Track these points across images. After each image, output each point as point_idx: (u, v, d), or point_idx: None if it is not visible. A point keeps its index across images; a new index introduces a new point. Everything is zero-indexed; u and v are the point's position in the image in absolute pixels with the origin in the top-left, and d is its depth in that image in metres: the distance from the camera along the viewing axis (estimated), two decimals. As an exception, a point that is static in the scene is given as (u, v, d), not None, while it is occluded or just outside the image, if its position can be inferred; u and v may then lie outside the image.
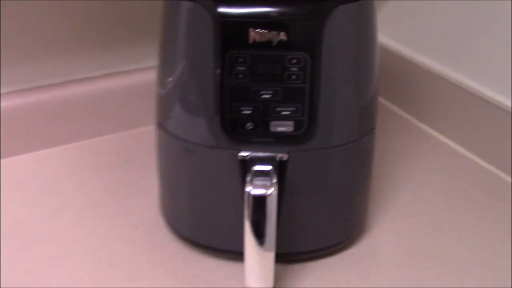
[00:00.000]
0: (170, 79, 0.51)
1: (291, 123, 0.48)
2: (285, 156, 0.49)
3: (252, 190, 0.46)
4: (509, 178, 0.69)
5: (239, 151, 0.49)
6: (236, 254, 0.52)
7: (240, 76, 0.46)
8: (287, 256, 0.55)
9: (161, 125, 0.53)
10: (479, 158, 0.72)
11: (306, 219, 0.53)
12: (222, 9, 0.45)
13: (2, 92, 0.70)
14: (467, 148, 0.74)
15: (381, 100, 0.84)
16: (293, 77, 0.46)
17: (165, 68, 0.52)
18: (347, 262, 0.56)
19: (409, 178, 0.69)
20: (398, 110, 0.84)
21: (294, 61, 0.46)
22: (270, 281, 0.49)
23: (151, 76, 0.76)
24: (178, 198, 0.55)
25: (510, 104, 0.68)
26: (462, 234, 0.60)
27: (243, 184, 0.49)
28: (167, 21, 0.50)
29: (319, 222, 0.53)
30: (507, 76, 0.68)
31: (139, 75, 0.76)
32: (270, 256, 0.48)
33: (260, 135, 0.48)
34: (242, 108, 0.47)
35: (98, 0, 0.71)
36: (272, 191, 0.46)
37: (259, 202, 0.46)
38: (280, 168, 0.49)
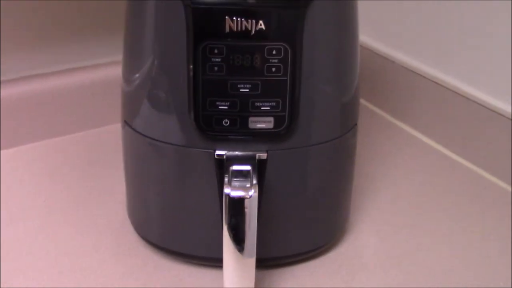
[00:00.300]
0: (137, 74, 0.47)
1: (271, 119, 0.44)
2: (264, 155, 0.46)
3: (231, 192, 0.42)
4: (489, 176, 0.68)
5: (215, 150, 0.46)
6: (213, 260, 0.48)
7: (216, 68, 0.43)
8: (266, 261, 0.51)
9: (127, 123, 0.49)
10: (459, 156, 0.71)
11: (286, 221, 0.50)
12: (195, -5, 0.41)
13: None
14: (447, 146, 0.72)
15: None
16: (273, 69, 0.43)
17: (131, 61, 0.48)
18: (329, 266, 0.53)
19: (389, 178, 0.67)
20: (376, 108, 0.81)
21: (274, 52, 0.43)
22: (250, 289, 0.46)
23: (117, 71, 0.72)
24: (147, 202, 0.51)
25: (489, 101, 0.66)
26: (445, 234, 0.58)
27: (220, 185, 0.46)
28: (133, 8, 0.46)
29: (300, 225, 0.50)
30: (487, 72, 0.67)
31: (104, 70, 0.71)
32: (251, 262, 0.45)
33: (238, 133, 0.45)
34: (218, 103, 0.44)
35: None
36: (252, 193, 0.42)
37: (239, 205, 0.42)
38: (260, 168, 0.46)
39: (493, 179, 0.67)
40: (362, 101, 0.82)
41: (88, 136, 0.72)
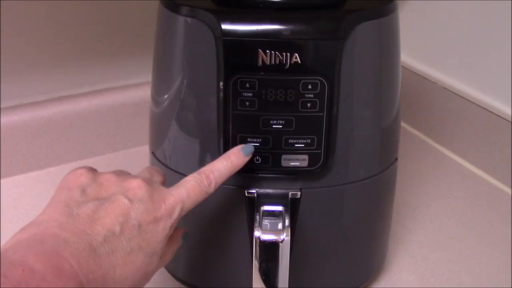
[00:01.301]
0: (165, 106, 0.45)
1: (305, 157, 0.41)
2: (297, 194, 0.43)
3: (262, 235, 0.40)
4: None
5: (246, 188, 0.43)
6: (242, 302, 0.46)
7: (247, 103, 0.40)
8: (298, 302, 0.48)
9: (154, 154, 0.47)
10: (502, 183, 0.66)
11: (319, 262, 0.47)
12: (226, 26, 0.39)
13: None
14: (490, 173, 0.68)
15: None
16: (308, 104, 0.40)
17: (159, 93, 0.45)
18: (365, 307, 0.50)
19: (428, 206, 0.63)
20: (413, 129, 0.78)
21: (309, 86, 0.40)
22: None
23: (143, 93, 0.70)
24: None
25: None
26: (489, 273, 0.54)
27: (251, 225, 0.43)
28: (161, 40, 0.44)
29: (335, 267, 0.47)
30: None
31: (130, 92, 0.70)
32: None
33: (270, 171, 0.42)
34: (249, 139, 0.41)
35: (81, 11, 0.65)
36: (284, 236, 0.40)
37: (270, 249, 0.40)
38: (292, 207, 0.43)
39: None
40: (402, 124, 0.78)
41: (117, 157, 0.71)
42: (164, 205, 0.36)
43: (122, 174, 0.38)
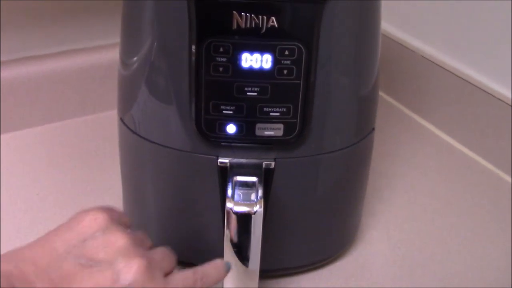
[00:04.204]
0: (134, 66, 0.42)
1: (280, 126, 0.40)
2: (272, 164, 0.42)
3: (234, 206, 0.39)
4: (509, 178, 0.63)
5: (218, 156, 0.41)
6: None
7: (220, 69, 0.38)
8: (272, 272, 0.48)
9: (123, 122, 0.45)
10: (478, 156, 0.66)
11: (294, 234, 0.46)
12: (199, -14, 0.37)
13: None
14: (466, 144, 0.68)
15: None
16: (285, 71, 0.38)
17: (128, 55, 0.43)
18: (337, 277, 0.50)
19: (403, 177, 0.63)
20: (392, 100, 0.77)
21: (286, 52, 0.38)
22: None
23: (114, 55, 0.67)
24: (144, 208, 0.47)
25: (508, 96, 0.61)
26: (460, 243, 0.55)
27: (223, 195, 0.42)
28: (130, 1, 0.41)
29: (309, 237, 0.47)
30: (508, 66, 0.62)
31: (105, 53, 0.67)
32: (254, 276, 0.41)
33: (244, 140, 0.40)
34: (222, 107, 0.39)
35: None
36: (257, 208, 0.39)
37: (243, 221, 0.39)
38: (266, 178, 0.42)
39: (515, 182, 0.63)
40: (380, 93, 0.77)
41: (87, 122, 0.68)
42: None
43: (138, 242, 0.34)
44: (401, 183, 0.62)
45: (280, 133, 0.40)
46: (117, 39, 0.45)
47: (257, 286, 0.42)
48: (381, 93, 0.76)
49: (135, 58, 0.42)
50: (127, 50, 0.43)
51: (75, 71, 0.66)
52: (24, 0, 0.62)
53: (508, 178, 0.63)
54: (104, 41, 0.68)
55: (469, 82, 0.65)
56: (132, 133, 0.44)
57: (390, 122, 0.72)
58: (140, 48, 0.41)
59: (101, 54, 0.67)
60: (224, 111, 0.39)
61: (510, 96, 0.62)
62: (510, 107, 0.61)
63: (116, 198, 0.55)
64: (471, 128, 0.67)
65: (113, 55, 0.65)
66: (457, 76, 0.67)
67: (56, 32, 0.66)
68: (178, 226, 0.46)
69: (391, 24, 0.75)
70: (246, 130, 0.40)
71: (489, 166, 0.65)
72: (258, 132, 0.40)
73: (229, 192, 0.40)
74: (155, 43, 0.40)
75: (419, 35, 0.72)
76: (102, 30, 0.68)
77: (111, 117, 0.68)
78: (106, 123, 0.68)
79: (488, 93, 0.63)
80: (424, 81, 0.71)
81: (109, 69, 0.67)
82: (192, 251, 0.46)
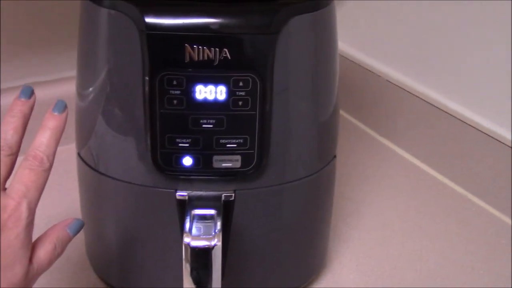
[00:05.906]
0: (89, 98, 0.42)
1: (238, 157, 0.40)
2: (231, 196, 0.41)
3: (192, 241, 0.38)
4: (478, 200, 0.63)
5: (177, 190, 0.41)
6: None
7: (175, 102, 0.38)
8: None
9: (81, 157, 0.44)
10: (447, 179, 0.66)
11: (259, 265, 0.45)
12: (150, 19, 0.36)
13: None
14: (434, 167, 0.68)
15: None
16: (240, 103, 0.38)
17: (83, 87, 0.42)
18: (306, 307, 0.49)
19: (371, 202, 0.63)
20: (356, 122, 0.77)
21: (240, 83, 0.38)
22: None
23: (69, 88, 0.66)
24: (104, 241, 0.46)
25: (481, 122, 0.62)
26: (431, 269, 0.54)
27: (182, 229, 0.41)
28: (84, 36, 0.41)
29: (275, 268, 0.46)
30: (477, 91, 0.62)
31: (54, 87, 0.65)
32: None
33: (201, 172, 0.40)
34: (178, 140, 0.39)
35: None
36: (216, 242, 0.38)
37: (201, 255, 0.38)
38: (226, 210, 0.41)
39: (482, 203, 0.63)
40: (344, 114, 0.78)
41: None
42: (6, 213, 0.33)
43: None
44: (370, 208, 0.62)
45: (238, 164, 0.40)
46: (71, 73, 0.45)
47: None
48: (350, 118, 0.77)
49: (90, 89, 0.41)
50: (83, 82, 0.43)
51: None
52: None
53: (477, 200, 0.63)
54: (59, 75, 0.67)
55: (436, 107, 0.66)
56: (89, 168, 0.43)
57: (358, 147, 0.72)
58: (96, 80, 0.41)
59: (55, 87, 0.66)
60: (180, 144, 0.39)
61: (477, 120, 0.62)
62: (477, 131, 0.62)
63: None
64: (439, 151, 0.67)
65: (68, 88, 0.65)
66: (424, 100, 0.67)
67: (12, 66, 0.64)
68: (139, 259, 0.45)
69: (360, 50, 0.75)
70: (203, 162, 0.39)
71: (458, 189, 0.65)
72: (215, 164, 0.40)
73: (187, 226, 0.39)
74: (110, 76, 0.40)
75: (389, 62, 0.73)
76: (57, 64, 0.67)
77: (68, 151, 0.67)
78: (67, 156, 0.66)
79: (455, 117, 0.64)
80: (392, 106, 0.72)
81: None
82: (154, 285, 0.45)
